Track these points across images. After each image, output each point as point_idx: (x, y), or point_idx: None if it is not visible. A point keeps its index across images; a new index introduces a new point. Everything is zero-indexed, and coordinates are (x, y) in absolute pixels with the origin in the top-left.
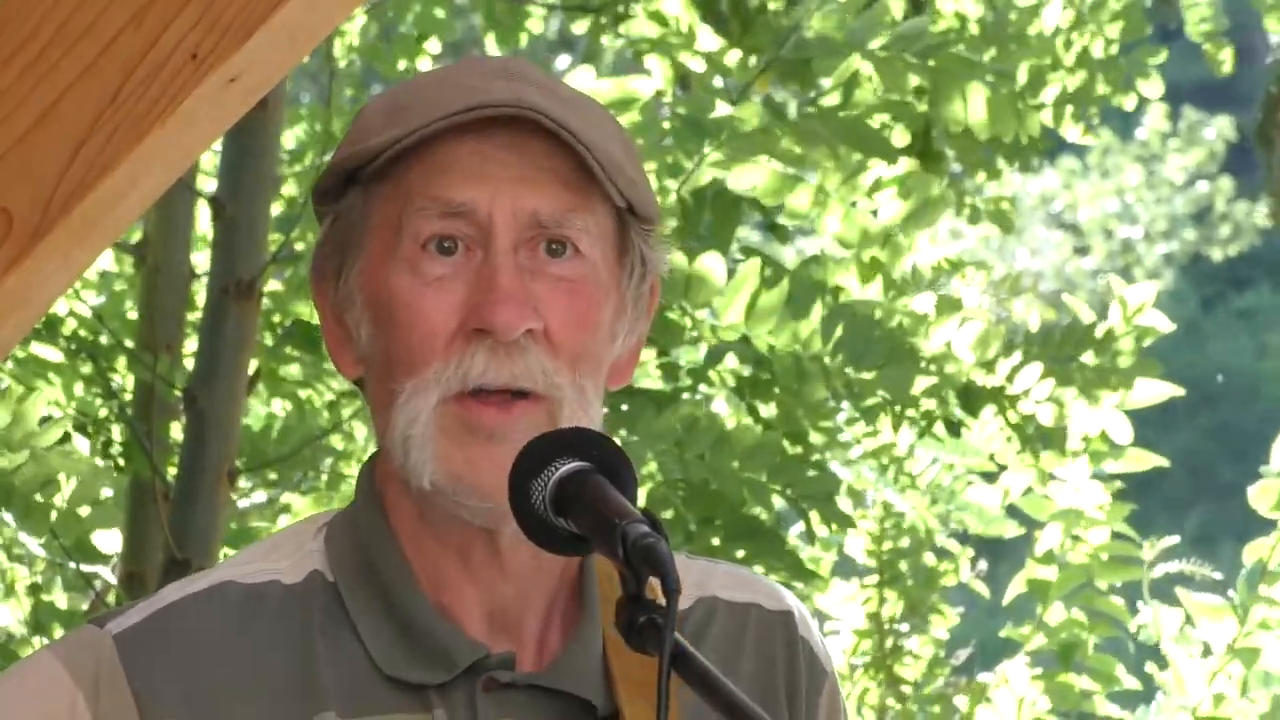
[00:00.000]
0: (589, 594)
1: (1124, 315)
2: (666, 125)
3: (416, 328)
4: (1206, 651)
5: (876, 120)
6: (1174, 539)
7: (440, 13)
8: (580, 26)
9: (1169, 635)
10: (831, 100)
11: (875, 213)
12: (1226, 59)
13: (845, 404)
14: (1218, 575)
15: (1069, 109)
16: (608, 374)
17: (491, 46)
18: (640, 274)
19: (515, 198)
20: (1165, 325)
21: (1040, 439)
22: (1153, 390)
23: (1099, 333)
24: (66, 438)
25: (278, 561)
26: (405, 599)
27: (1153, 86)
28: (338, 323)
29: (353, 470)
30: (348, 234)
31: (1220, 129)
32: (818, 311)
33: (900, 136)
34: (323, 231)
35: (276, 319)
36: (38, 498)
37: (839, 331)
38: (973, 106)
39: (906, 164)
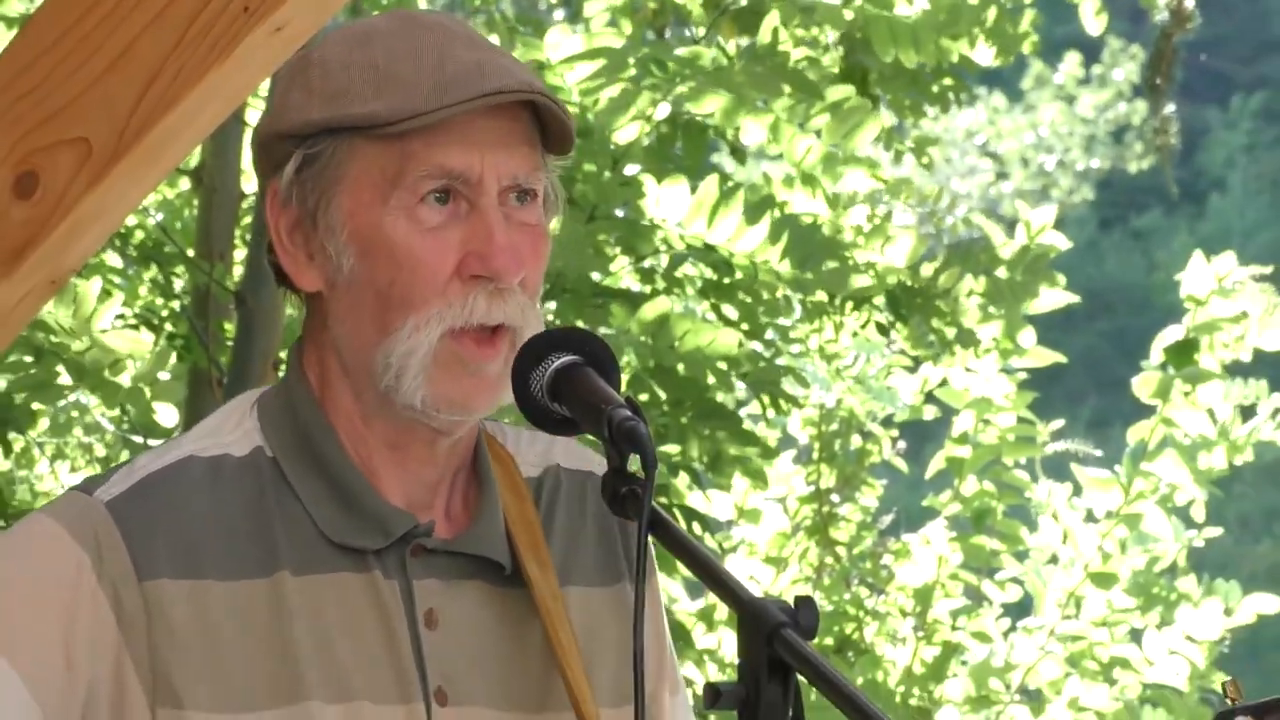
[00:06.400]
0: (485, 472)
1: (1029, 235)
2: (633, 68)
3: (418, 271)
4: (1090, 518)
5: (800, 59)
6: (1060, 422)
7: None
8: None
9: (1061, 504)
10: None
11: (819, 133)
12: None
13: (797, 306)
14: (1098, 453)
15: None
16: None
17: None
18: (555, 203)
19: (499, 163)
20: (1063, 243)
21: (959, 340)
22: (1054, 298)
23: (1007, 253)
24: (121, 320)
25: (223, 437)
26: (344, 476)
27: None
28: (294, 244)
29: None
30: (324, 174)
31: (1129, 73)
32: (766, 222)
33: (823, 71)
34: (290, 167)
35: None
36: (107, 374)
37: (785, 238)
38: (901, 39)
39: (839, 92)
